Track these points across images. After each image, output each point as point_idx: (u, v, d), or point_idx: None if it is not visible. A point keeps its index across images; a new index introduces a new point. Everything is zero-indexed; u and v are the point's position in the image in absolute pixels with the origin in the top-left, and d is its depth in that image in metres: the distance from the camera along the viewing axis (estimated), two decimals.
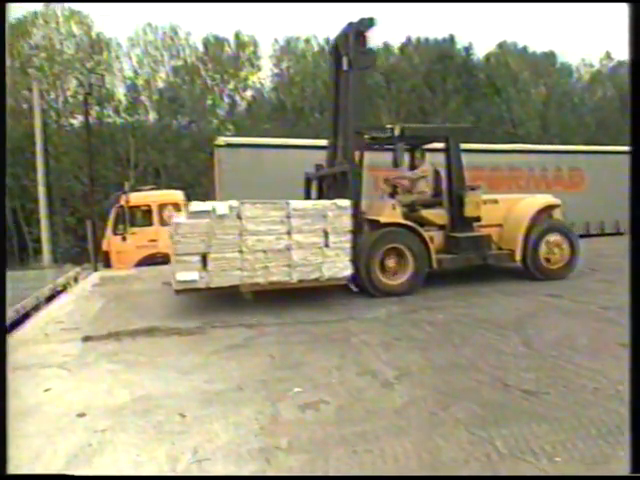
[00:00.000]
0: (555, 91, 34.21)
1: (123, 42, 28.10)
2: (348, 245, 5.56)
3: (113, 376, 3.59)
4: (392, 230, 6.09)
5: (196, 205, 5.29)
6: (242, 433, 2.65)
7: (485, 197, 6.77)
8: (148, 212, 10.91)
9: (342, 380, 3.34)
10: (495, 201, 6.90)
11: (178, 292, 5.25)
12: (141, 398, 3.15)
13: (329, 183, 6.56)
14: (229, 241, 5.15)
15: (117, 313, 5.55)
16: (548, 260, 6.66)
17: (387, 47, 31.96)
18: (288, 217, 5.33)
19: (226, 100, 29.92)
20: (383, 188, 7.06)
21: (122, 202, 10.74)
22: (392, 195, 6.85)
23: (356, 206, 5.83)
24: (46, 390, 3.36)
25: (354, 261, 5.65)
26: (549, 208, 6.98)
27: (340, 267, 5.50)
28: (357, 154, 6.12)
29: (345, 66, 6.24)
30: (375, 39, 6.47)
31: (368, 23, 6.12)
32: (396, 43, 32.46)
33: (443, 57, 30.69)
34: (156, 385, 3.36)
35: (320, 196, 6.65)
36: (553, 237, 6.68)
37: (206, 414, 2.89)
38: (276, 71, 30.41)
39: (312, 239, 5.39)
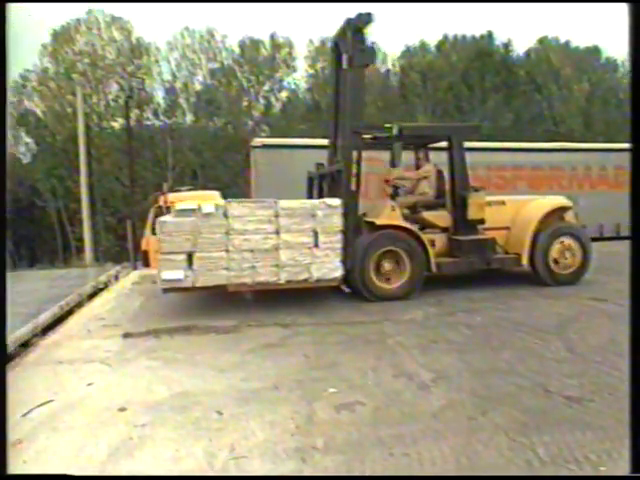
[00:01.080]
0: (599, 87, 33.01)
1: (162, 46, 28.82)
2: (339, 245, 5.43)
3: (152, 372, 3.67)
4: (388, 232, 5.90)
5: (182, 203, 5.26)
6: (278, 432, 2.66)
7: (491, 198, 6.55)
8: None
9: (378, 381, 3.31)
10: (502, 202, 6.64)
11: (165, 291, 5.23)
12: (179, 394, 3.21)
13: (328, 182, 6.42)
14: (215, 240, 5.09)
15: (156, 311, 5.67)
16: (558, 264, 6.35)
17: (424, 45, 31.62)
18: (276, 216, 5.24)
19: (261, 101, 30.23)
20: (384, 189, 6.78)
21: (161, 202, 10.98)
22: (393, 196, 6.58)
23: (348, 206, 5.66)
24: (89, 384, 3.46)
25: (349, 263, 5.53)
26: (560, 210, 6.65)
27: (330, 268, 5.37)
28: (355, 154, 5.88)
29: (344, 64, 6.08)
30: (373, 35, 6.32)
31: (366, 19, 5.89)
32: (433, 41, 32.09)
33: (481, 54, 30.09)
34: (194, 382, 3.42)
35: (321, 195, 6.51)
36: (563, 240, 6.38)
37: (242, 412, 2.92)
38: (311, 72, 30.53)
39: (301, 239, 5.28)
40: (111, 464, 2.41)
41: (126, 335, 4.66)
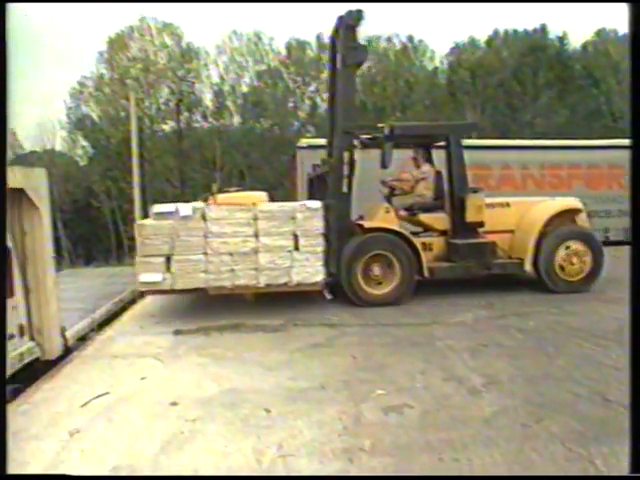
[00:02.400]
0: None
1: (211, 50, 29.49)
2: (320, 249, 5.30)
3: (202, 369, 3.76)
4: (376, 236, 5.69)
5: (160, 206, 5.22)
6: (326, 432, 2.66)
7: (494, 200, 6.26)
8: None
9: (426, 385, 3.26)
10: (506, 205, 6.30)
11: (146, 293, 5.26)
12: (228, 391, 3.27)
13: (322, 184, 6.25)
14: (193, 243, 5.06)
15: (205, 308, 5.80)
16: (564, 270, 5.97)
17: (473, 41, 30.88)
18: (255, 219, 5.17)
19: (307, 102, 30.40)
20: (381, 190, 6.56)
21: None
22: (389, 198, 6.40)
23: (339, 208, 5.57)
24: (142, 378, 3.59)
25: (334, 268, 5.43)
26: (569, 213, 6.26)
27: (310, 272, 5.24)
28: (346, 154, 5.74)
29: (338, 63, 5.96)
30: (364, 33, 5.99)
31: (356, 16, 5.74)
32: (483, 37, 31.28)
33: (534, 49, 29.04)
34: (242, 379, 3.48)
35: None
36: (572, 245, 5.98)
37: (290, 411, 2.94)
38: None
39: (280, 242, 5.19)
40: (164, 456, 2.48)
41: (177, 332, 4.80)
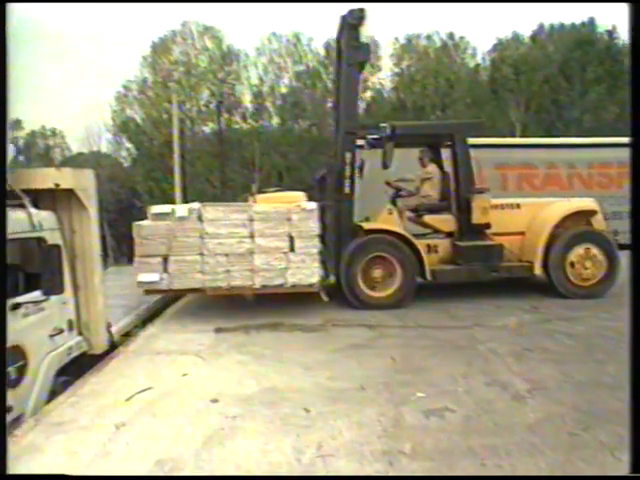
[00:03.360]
0: None
1: (250, 52, 29.86)
2: (315, 251, 5.24)
3: (242, 366, 3.80)
4: (376, 237, 5.59)
5: (157, 207, 5.26)
6: (365, 433, 2.64)
7: (504, 201, 6.06)
8: None
9: (468, 389, 3.19)
10: (516, 206, 6.10)
11: (146, 292, 5.28)
12: (268, 390, 3.30)
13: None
14: (190, 244, 5.07)
15: (244, 307, 5.85)
16: (577, 275, 5.71)
17: (517, 37, 30.07)
18: (250, 220, 5.15)
19: None
20: (386, 191, 6.41)
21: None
22: (393, 199, 6.22)
23: (340, 209, 5.54)
24: (184, 375, 3.66)
25: (327, 269, 5.40)
26: (583, 214, 5.99)
27: (306, 274, 5.19)
28: (348, 155, 5.66)
29: (342, 62, 5.88)
30: (366, 32, 5.92)
31: (358, 15, 5.66)
32: (527, 32, 30.42)
33: (582, 43, 28.01)
34: (281, 378, 3.50)
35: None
36: (583, 248, 5.72)
37: (329, 411, 2.94)
38: (396, 70, 30.17)
39: (275, 243, 5.15)
40: (205, 452, 2.52)
41: (218, 330, 4.87)
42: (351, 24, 5.71)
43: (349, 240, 5.62)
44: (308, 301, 5.82)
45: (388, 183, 6.27)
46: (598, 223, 6.08)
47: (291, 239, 5.23)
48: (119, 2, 29.44)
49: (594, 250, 5.78)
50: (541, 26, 30.50)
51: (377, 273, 5.57)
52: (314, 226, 5.28)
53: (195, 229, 5.13)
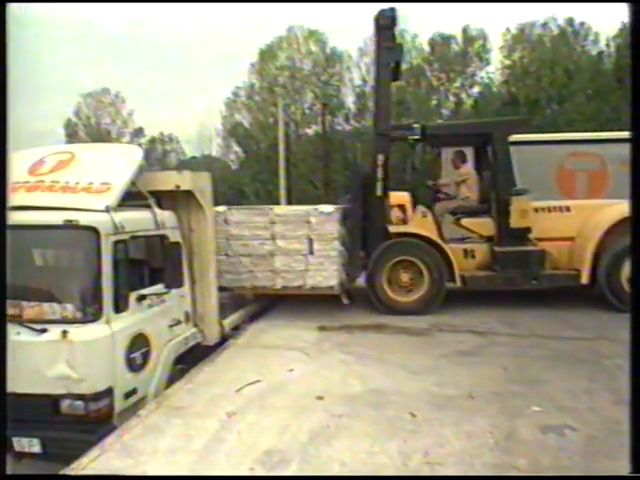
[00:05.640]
0: None
1: (354, 53, 29.99)
2: (334, 253, 5.14)
3: (346, 366, 3.82)
4: (403, 241, 5.36)
5: None
6: (475, 444, 2.53)
7: (552, 204, 5.50)
8: None
9: (592, 406, 2.93)
10: (565, 209, 5.51)
11: None
12: (373, 391, 3.28)
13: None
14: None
15: (348, 307, 5.83)
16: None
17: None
18: (272, 223, 5.20)
19: (451, 99, 29.43)
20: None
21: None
22: (434, 201, 5.90)
23: (370, 212, 5.49)
24: (290, 370, 3.76)
25: (350, 272, 5.35)
26: None
27: (325, 276, 5.15)
28: (380, 157, 5.50)
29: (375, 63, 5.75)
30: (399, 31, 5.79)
31: (389, 15, 5.48)
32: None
33: None
34: (386, 381, 3.46)
35: None
36: None
37: (436, 417, 2.85)
38: (507, 62, 28.63)
39: (295, 246, 5.17)
40: (312, 447, 2.57)
41: (321, 328, 4.95)
42: (383, 25, 5.64)
43: (378, 243, 5.56)
44: None
45: (428, 186, 6.19)
46: None
47: (310, 242, 5.30)
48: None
49: None
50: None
51: (404, 277, 5.48)
52: (333, 229, 5.31)
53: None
